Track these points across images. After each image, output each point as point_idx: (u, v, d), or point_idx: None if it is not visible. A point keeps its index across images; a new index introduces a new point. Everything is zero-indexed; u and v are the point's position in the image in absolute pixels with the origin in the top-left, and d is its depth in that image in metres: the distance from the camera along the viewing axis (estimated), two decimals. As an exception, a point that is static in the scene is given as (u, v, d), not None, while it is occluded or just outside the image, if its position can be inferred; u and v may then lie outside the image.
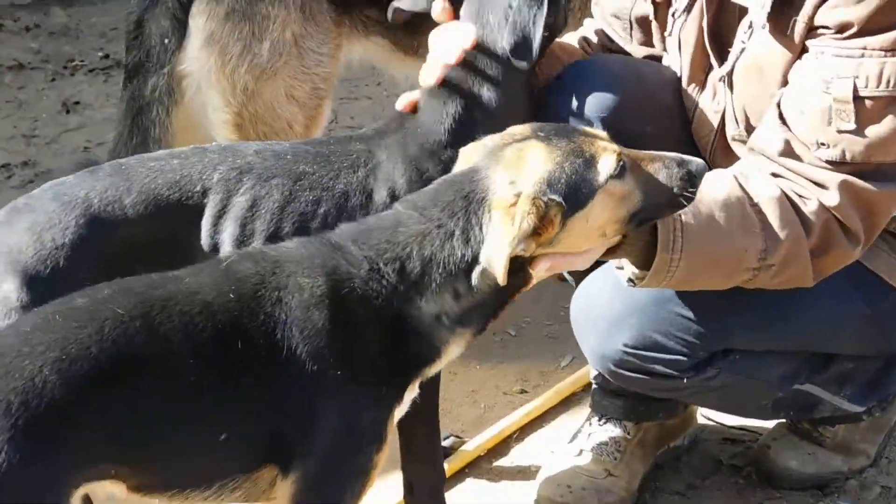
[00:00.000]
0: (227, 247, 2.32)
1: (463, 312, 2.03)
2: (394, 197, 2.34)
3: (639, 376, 2.50)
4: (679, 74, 2.57)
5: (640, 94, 2.62)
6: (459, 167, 2.09)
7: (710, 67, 2.48)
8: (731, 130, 2.47)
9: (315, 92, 3.26)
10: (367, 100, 5.31)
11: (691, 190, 2.05)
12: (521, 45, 2.36)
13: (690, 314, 2.43)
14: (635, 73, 2.65)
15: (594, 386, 2.82)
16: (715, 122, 2.50)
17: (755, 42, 2.33)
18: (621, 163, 1.98)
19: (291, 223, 2.34)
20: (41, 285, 2.17)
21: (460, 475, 2.98)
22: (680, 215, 2.13)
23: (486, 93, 2.43)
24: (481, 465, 3.03)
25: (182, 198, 2.30)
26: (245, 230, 2.33)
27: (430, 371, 2.13)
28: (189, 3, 3.09)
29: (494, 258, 1.91)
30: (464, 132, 2.39)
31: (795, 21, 2.24)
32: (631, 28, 2.76)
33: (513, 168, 1.97)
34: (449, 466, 2.85)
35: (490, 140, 2.06)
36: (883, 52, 2.16)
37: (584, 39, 2.87)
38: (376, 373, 2.02)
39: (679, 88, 2.60)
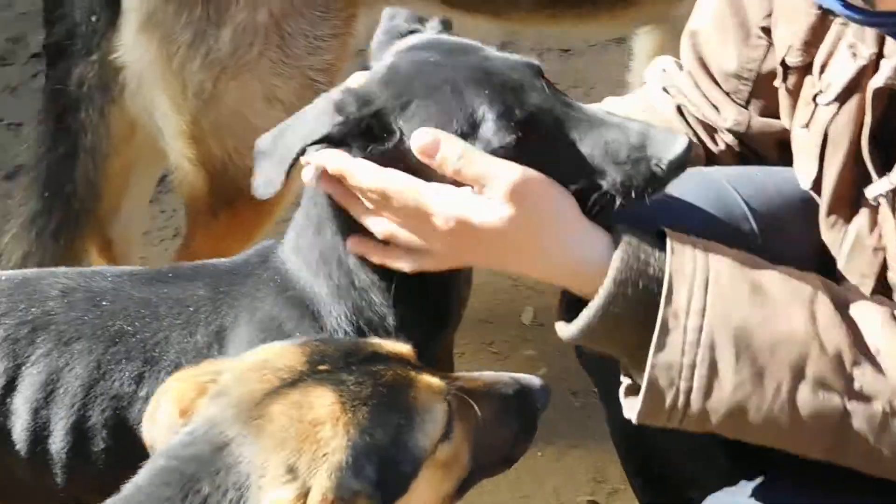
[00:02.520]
0: (20, 444, 2.06)
1: None
2: None
3: None
4: (810, 188, 2.05)
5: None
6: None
7: (864, 182, 1.94)
8: None
9: (310, 88, 2.80)
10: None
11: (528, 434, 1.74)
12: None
13: None
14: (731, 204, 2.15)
15: None
16: (874, 264, 1.97)
17: None
18: (448, 410, 1.61)
19: (101, 411, 2.03)
20: None
21: None
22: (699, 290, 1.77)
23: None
24: None
25: None
26: (38, 418, 2.05)
27: None
28: None
29: None
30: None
31: None
32: (750, 94, 2.19)
33: (288, 446, 1.51)
34: None
35: (234, 379, 1.60)
36: None
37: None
38: None
39: (809, 212, 2.09)
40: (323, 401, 1.54)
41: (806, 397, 1.73)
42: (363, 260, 2.00)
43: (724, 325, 1.72)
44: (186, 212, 2.97)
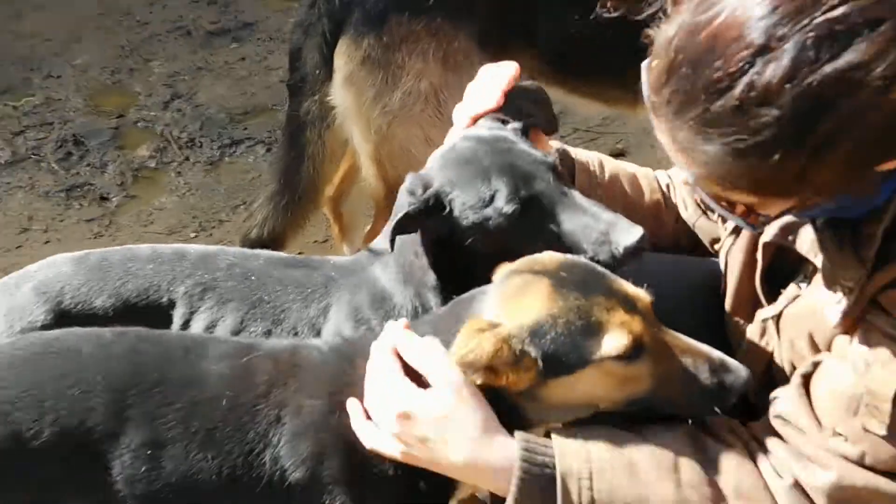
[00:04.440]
0: None
1: None
2: None
3: None
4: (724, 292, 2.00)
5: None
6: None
7: (759, 304, 1.89)
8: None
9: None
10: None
11: (717, 403, 1.63)
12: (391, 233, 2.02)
13: None
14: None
15: None
16: (762, 362, 1.87)
17: (811, 292, 1.72)
18: (634, 347, 1.58)
19: None
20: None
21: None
22: (585, 474, 1.61)
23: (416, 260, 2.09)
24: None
25: (148, 306, 2.12)
26: None
27: (459, 494, 1.81)
28: (334, 42, 2.79)
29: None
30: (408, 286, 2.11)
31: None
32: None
33: (509, 300, 1.65)
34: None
35: (519, 263, 1.73)
36: None
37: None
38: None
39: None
40: (541, 286, 1.62)
41: None
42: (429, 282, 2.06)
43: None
44: (375, 208, 3.00)
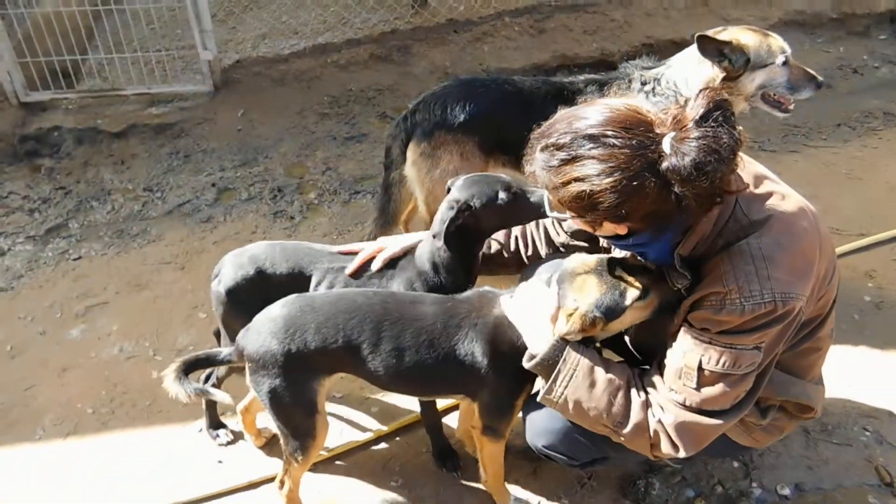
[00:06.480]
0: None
1: None
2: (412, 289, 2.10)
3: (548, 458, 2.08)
4: None
5: None
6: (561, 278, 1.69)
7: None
8: None
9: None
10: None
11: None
12: (439, 232, 2.03)
13: (586, 442, 1.94)
14: None
15: None
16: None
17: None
18: (643, 292, 1.60)
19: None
20: (233, 292, 2.16)
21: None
22: (568, 377, 1.66)
23: (444, 253, 2.11)
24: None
25: (303, 272, 2.16)
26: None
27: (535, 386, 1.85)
28: (407, 144, 2.88)
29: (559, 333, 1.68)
30: (433, 267, 2.12)
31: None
32: (573, 233, 2.15)
33: (578, 291, 1.64)
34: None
35: (573, 266, 1.67)
36: (723, 346, 1.61)
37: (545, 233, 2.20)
38: (516, 367, 1.78)
39: None
40: (591, 278, 1.61)
41: (599, 428, 1.72)
42: (447, 264, 2.07)
43: (572, 397, 1.68)
44: (425, 225, 2.89)
